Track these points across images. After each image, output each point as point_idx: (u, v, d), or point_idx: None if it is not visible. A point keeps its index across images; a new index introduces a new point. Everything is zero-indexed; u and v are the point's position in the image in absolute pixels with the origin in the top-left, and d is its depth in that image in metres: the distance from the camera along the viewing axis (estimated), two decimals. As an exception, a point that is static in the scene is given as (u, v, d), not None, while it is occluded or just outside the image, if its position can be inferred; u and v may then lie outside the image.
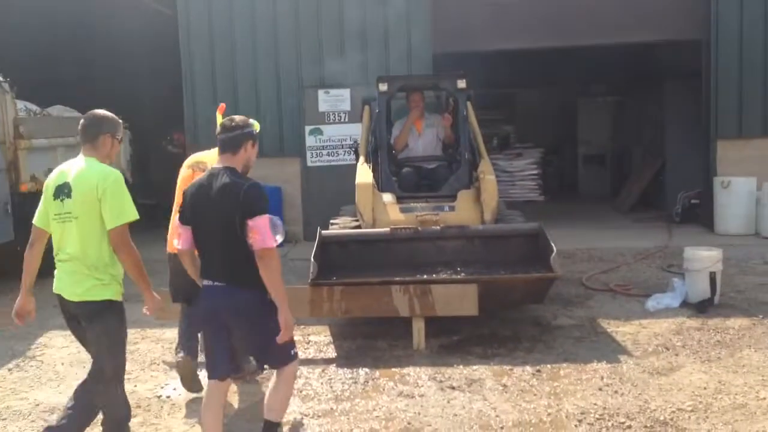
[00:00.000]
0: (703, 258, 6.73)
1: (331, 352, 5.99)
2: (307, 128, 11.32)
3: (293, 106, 11.31)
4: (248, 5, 11.24)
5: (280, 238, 3.76)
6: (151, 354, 6.15)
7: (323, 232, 6.76)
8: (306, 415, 4.68)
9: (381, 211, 7.00)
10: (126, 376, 3.99)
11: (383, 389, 5.09)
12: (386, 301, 5.95)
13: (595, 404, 4.61)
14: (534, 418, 4.47)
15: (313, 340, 6.38)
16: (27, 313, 3.90)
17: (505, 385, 5.01)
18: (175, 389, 5.26)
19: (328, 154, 11.30)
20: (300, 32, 11.22)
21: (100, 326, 3.68)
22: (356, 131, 11.12)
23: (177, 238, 3.95)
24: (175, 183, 5.21)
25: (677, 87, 12.51)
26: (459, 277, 6.06)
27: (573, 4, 10.91)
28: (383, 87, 7.51)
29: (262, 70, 11.31)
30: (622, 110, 15.85)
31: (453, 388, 5.02)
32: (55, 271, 3.78)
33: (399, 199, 7.18)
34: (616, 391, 4.80)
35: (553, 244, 6.05)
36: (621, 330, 6.19)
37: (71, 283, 3.69)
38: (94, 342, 3.74)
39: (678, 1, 10.83)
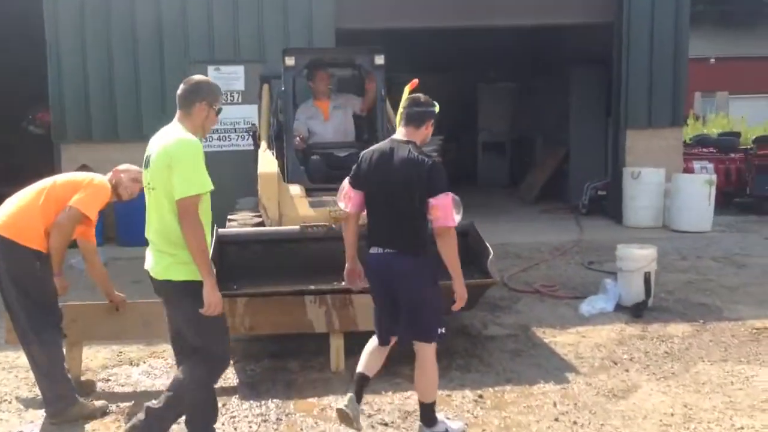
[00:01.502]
0: (638, 257, 6.26)
1: (231, 378, 4.99)
2: (195, 109, 10.10)
3: (178, 83, 9.90)
4: (126, -30, 9.87)
5: (458, 217, 3.79)
6: (2, 387, 4.94)
7: (220, 231, 5.73)
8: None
9: (288, 206, 6.05)
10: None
11: (300, 428, 4.19)
12: (299, 314, 5.04)
13: (554, 439, 3.94)
14: (488, 462, 3.73)
15: (209, 361, 5.36)
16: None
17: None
18: (34, 438, 4.14)
19: (219, 139, 10.11)
20: (187, 0, 9.96)
21: (177, 309, 3.50)
22: (251, 113, 10.05)
23: (346, 201, 3.95)
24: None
25: (582, 73, 12.25)
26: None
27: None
28: (290, 61, 6.52)
29: (142, 42, 9.98)
30: (522, 97, 15.55)
31: (385, 424, 4.21)
32: None
33: (308, 192, 6.26)
34: (574, 422, 4.14)
35: (488, 246, 5.34)
36: (559, 340, 5.59)
37: (153, 260, 3.50)
38: (183, 325, 3.54)
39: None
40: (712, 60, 26.25)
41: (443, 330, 3.84)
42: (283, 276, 5.39)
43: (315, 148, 6.82)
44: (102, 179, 4.37)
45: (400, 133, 3.88)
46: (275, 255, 5.74)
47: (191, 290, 3.39)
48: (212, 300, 3.37)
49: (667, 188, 9.97)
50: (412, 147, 3.75)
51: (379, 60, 6.61)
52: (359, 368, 4.04)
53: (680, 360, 5.08)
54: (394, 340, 4.04)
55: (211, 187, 3.42)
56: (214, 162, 10.65)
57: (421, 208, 3.67)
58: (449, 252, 3.71)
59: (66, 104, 9.97)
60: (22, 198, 4.24)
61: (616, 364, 5.06)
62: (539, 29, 11.90)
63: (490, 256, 5.23)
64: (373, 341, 4.08)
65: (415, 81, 4.41)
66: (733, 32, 26.96)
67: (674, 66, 10.40)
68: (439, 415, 4.03)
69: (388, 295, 3.85)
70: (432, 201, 3.62)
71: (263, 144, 6.85)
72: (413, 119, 3.84)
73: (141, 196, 4.46)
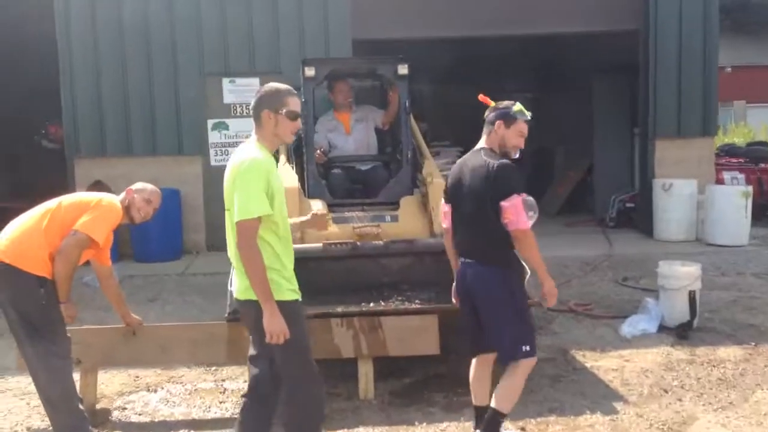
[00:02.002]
0: (682, 275, 5.90)
1: (254, 407, 4.67)
2: (210, 122, 9.87)
3: (193, 96, 9.81)
4: (139, -18, 9.65)
5: (533, 217, 3.67)
6: (13, 416, 4.65)
7: None
8: None
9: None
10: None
11: (331, 464, 3.87)
12: (326, 338, 4.72)
13: (609, 479, 3.59)
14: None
15: (230, 388, 5.08)
16: None
17: (488, 454, 3.89)
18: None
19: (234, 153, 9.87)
20: (200, 12, 9.74)
21: (256, 331, 3.33)
22: (267, 126, 9.84)
23: (443, 216, 4.01)
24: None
25: (605, 82, 11.91)
26: (416, 306, 4.90)
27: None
28: (310, 72, 6.22)
29: (156, 55, 9.75)
30: (540, 107, 15.19)
31: (422, 459, 3.88)
32: None
33: (330, 207, 5.96)
34: (630, 459, 3.80)
35: (524, 264, 5.00)
36: (602, 364, 5.24)
37: (236, 280, 3.40)
38: (269, 346, 3.32)
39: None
40: (729, 69, 25.85)
41: (527, 347, 3.68)
42: (307, 297, 5.06)
43: (336, 162, 6.53)
44: (111, 200, 4.04)
45: (480, 141, 3.91)
46: (297, 274, 5.43)
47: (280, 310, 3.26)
48: (272, 328, 3.17)
49: (700, 200, 9.59)
50: (484, 152, 3.76)
51: (403, 70, 6.30)
52: (473, 401, 4.03)
53: (736, 388, 4.71)
54: (491, 355, 3.92)
55: (267, 211, 3.20)
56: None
57: (493, 213, 3.62)
58: (529, 254, 3.68)
59: (79, 118, 9.74)
60: (25, 221, 3.93)
61: (666, 392, 4.69)
62: (557, 37, 11.58)
63: (528, 276, 4.89)
64: (473, 365, 4.01)
65: (485, 98, 4.13)
66: (749, 40, 26.60)
67: (704, 73, 10.04)
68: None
69: (471, 307, 3.83)
70: (502, 204, 3.58)
71: (282, 158, 6.57)
72: (485, 125, 3.88)
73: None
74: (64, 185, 9.85)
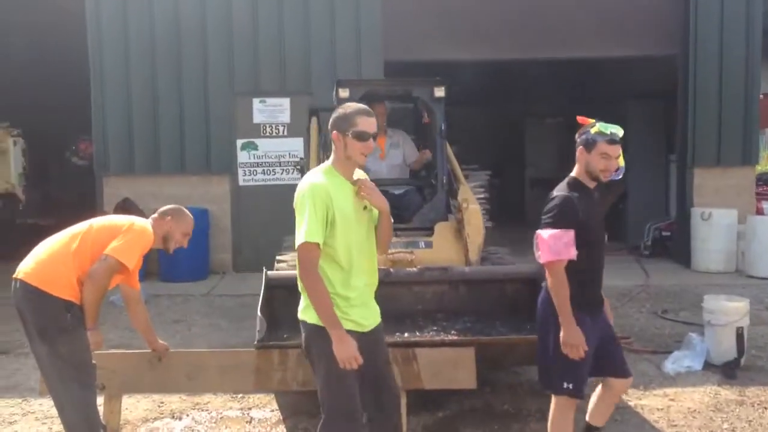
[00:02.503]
0: (730, 310, 5.63)
1: (282, 439, 4.50)
2: (239, 142, 9.80)
3: (223, 116, 9.77)
4: (172, 1, 9.64)
5: (566, 254, 3.46)
6: (34, 442, 4.51)
7: (269, 273, 5.27)
8: None
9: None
10: None
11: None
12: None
13: None
14: None
15: (257, 417, 4.90)
16: None
17: (531, 499, 3.68)
18: None
19: (263, 173, 9.79)
20: (233, 32, 9.71)
21: (305, 351, 3.35)
22: (296, 146, 9.77)
23: None
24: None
25: (640, 108, 11.67)
26: (452, 337, 4.70)
27: (535, 13, 9.88)
28: (344, 93, 6.05)
29: (186, 72, 9.73)
30: (571, 132, 14.97)
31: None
32: None
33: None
34: None
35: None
36: (646, 403, 4.98)
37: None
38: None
39: (651, 12, 9.94)
40: (761, 95, 25.35)
41: (570, 385, 3.55)
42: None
43: (369, 186, 6.36)
44: (143, 224, 3.90)
45: None
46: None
47: (320, 334, 3.19)
48: (340, 355, 3.12)
49: (740, 230, 9.30)
50: (566, 181, 3.68)
51: (440, 92, 6.13)
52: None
53: (792, 433, 4.44)
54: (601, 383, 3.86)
55: (316, 239, 3.12)
56: (258, 196, 10.48)
57: None
58: (551, 291, 3.54)
59: (109, 136, 9.73)
60: (53, 243, 3.79)
61: (717, 435, 4.44)
62: (591, 61, 11.39)
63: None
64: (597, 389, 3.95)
65: (584, 119, 3.92)
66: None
67: (745, 100, 9.78)
68: None
69: None
70: (537, 233, 3.54)
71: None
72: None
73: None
74: (93, 202, 9.84)
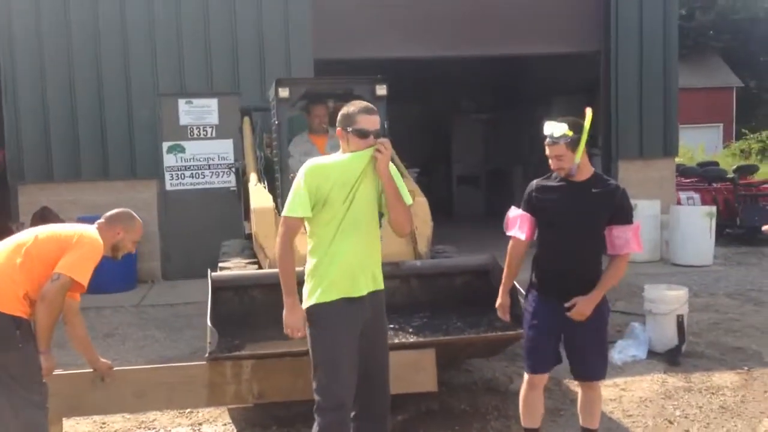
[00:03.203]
0: (670, 299, 5.80)
1: (237, 455, 4.31)
2: (165, 145, 9.42)
3: (147, 118, 9.36)
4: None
5: (512, 230, 3.89)
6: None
7: (215, 274, 5.07)
8: None
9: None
10: None
11: None
12: (308, 376, 4.36)
13: None
14: None
15: (208, 433, 4.68)
16: None
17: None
18: None
19: (191, 176, 9.46)
20: (155, 30, 9.32)
21: None
22: (225, 148, 9.50)
23: None
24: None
25: (564, 103, 11.93)
26: (411, 340, 4.62)
27: (462, 11, 9.95)
28: (284, 93, 5.88)
29: (106, 73, 9.27)
30: (497, 128, 15.23)
31: None
32: None
33: (306, 233, 5.64)
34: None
35: (518, 287, 4.78)
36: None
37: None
38: None
39: (575, 11, 10.19)
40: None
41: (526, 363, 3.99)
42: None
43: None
44: (92, 234, 3.64)
45: None
46: (278, 302, 5.09)
47: (313, 319, 3.39)
48: (286, 321, 3.39)
49: (663, 220, 9.64)
50: None
51: (381, 91, 6.05)
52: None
53: (741, 417, 4.59)
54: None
55: (293, 213, 3.34)
56: (186, 200, 10.10)
57: None
58: None
59: (24, 143, 9.16)
60: None
61: (672, 423, 4.54)
62: (514, 58, 11.58)
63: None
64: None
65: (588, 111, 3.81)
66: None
67: (664, 94, 10.16)
68: None
69: None
70: None
71: (253, 177, 6.26)
72: None
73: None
74: (7, 212, 9.26)
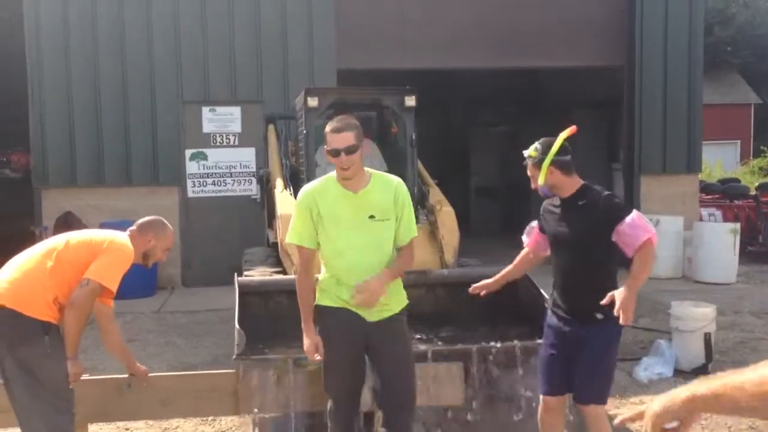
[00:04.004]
0: (697, 316, 5.74)
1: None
2: (188, 152, 9.47)
3: (170, 125, 9.43)
4: (116, 5, 9.26)
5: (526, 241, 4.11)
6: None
7: (241, 279, 5.07)
8: None
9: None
10: None
11: None
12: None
13: None
14: None
15: (232, 443, 4.66)
16: None
17: None
18: None
19: (213, 184, 9.50)
20: (181, 38, 9.39)
21: None
22: (248, 156, 9.52)
23: None
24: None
25: (585, 117, 11.89)
26: (441, 347, 4.57)
27: (484, 23, 9.96)
28: (313, 102, 5.91)
29: (132, 79, 9.34)
30: (515, 141, 15.17)
31: None
32: None
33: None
34: None
35: (545, 294, 4.73)
36: (624, 412, 4.99)
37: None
38: None
39: (598, 24, 10.17)
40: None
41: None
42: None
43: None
44: (123, 241, 3.64)
45: None
46: (293, 312, 5.08)
47: (319, 318, 3.55)
48: (304, 347, 3.53)
49: (686, 237, 9.56)
50: None
51: (410, 102, 6.06)
52: None
53: (772, 437, 4.53)
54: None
55: (293, 240, 3.48)
56: (208, 208, 10.12)
57: None
58: None
59: (48, 147, 9.25)
60: (25, 261, 3.50)
61: (702, 443, 4.48)
62: (534, 71, 11.58)
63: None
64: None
65: (574, 128, 3.96)
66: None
67: (689, 110, 10.11)
68: None
69: None
70: None
71: (279, 183, 6.27)
72: None
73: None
74: (31, 217, 9.33)
